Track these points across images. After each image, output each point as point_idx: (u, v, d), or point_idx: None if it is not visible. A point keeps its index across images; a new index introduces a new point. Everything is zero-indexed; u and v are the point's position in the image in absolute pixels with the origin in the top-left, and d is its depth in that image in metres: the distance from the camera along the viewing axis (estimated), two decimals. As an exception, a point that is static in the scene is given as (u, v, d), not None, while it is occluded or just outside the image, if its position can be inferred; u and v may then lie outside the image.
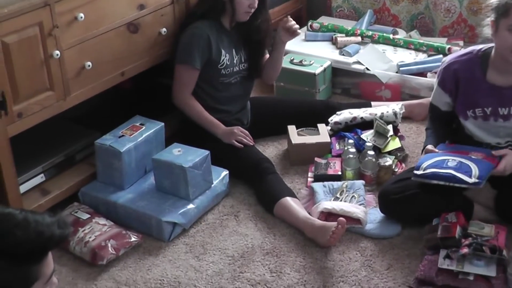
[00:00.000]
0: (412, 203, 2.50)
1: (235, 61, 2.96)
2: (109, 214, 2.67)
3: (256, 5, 2.86)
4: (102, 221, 2.57)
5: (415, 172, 2.45)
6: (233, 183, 2.89)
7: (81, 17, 2.52)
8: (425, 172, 2.40)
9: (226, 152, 2.88)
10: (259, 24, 2.94)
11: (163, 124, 2.86)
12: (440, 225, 2.40)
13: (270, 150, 3.16)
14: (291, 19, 2.99)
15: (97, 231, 2.50)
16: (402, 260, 2.42)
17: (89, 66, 2.62)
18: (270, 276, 2.37)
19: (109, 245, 2.45)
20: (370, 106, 3.32)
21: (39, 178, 2.69)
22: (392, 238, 2.54)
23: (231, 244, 2.55)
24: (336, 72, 3.69)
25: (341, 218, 2.44)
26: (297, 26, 2.96)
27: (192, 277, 2.39)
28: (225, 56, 2.92)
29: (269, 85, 3.53)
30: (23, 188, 2.59)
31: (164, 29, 2.95)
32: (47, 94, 2.51)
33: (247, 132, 2.93)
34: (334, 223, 2.44)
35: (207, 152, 2.70)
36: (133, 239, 2.52)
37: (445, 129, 2.67)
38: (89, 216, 2.59)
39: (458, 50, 3.40)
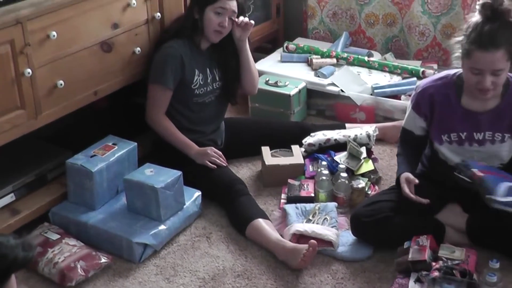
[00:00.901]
0: (384, 227, 2.51)
1: (208, 80, 2.97)
2: (79, 234, 2.64)
3: (226, 25, 2.86)
4: (72, 241, 2.54)
5: (493, 197, 2.34)
6: (206, 204, 2.88)
7: (54, 36, 2.51)
8: (508, 200, 2.35)
9: (199, 173, 2.87)
10: (234, 50, 2.94)
11: (135, 144, 2.85)
12: (411, 248, 2.40)
13: (244, 171, 3.16)
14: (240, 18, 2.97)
15: (66, 252, 2.48)
16: (373, 283, 2.42)
17: (61, 85, 2.61)
18: (240, 299, 2.35)
19: (79, 266, 2.43)
20: (344, 128, 3.34)
21: (9, 198, 2.66)
22: (364, 261, 2.55)
23: (202, 266, 2.53)
24: (311, 94, 3.71)
25: (312, 241, 2.43)
26: (246, 19, 2.93)
27: (162, 299, 2.36)
28: (199, 76, 2.93)
29: (246, 103, 3.55)
30: (-11, 208, 2.54)
31: (138, 48, 2.95)
32: (17, 113, 2.49)
33: (220, 153, 2.92)
34: (305, 246, 2.44)
35: (179, 172, 2.68)
36: (103, 260, 2.49)
37: (417, 154, 2.68)
38: (59, 236, 2.56)
39: (432, 74, 3.44)
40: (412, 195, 2.49)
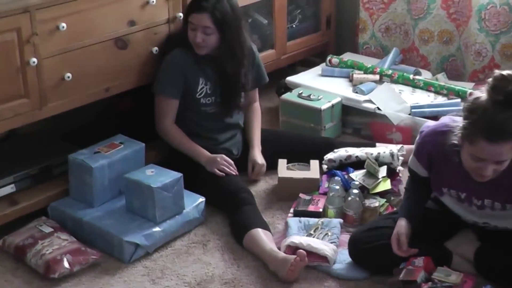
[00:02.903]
0: (384, 253, 2.66)
1: (217, 91, 3.24)
2: (75, 231, 2.93)
3: (198, 40, 3.11)
4: (64, 236, 2.83)
5: None
6: (211, 212, 3.12)
7: (63, 27, 2.84)
8: None
9: (206, 179, 3.13)
10: (224, 63, 3.19)
11: (143, 145, 3.13)
12: (404, 269, 2.56)
13: (261, 184, 3.39)
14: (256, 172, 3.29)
15: (56, 245, 2.77)
16: (363, 302, 2.58)
17: (69, 77, 2.93)
18: (221, 305, 2.57)
19: (65, 259, 2.71)
20: (373, 147, 3.50)
21: (9, 188, 2.98)
22: (359, 281, 2.70)
23: (191, 271, 2.77)
24: (347, 111, 3.89)
25: (300, 251, 2.63)
26: (254, 175, 3.30)
27: (143, 299, 2.62)
28: (205, 85, 3.19)
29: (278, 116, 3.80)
30: (-12, 197, 2.87)
31: (156, 48, 3.24)
32: (21, 101, 2.82)
33: (230, 161, 3.17)
34: (295, 256, 2.63)
35: (179, 175, 2.95)
36: (90, 256, 2.77)
37: (425, 190, 2.74)
38: (52, 230, 2.86)
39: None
40: (398, 252, 2.58)
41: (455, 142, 2.39)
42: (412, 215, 2.67)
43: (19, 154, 3.14)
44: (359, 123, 3.88)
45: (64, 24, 2.83)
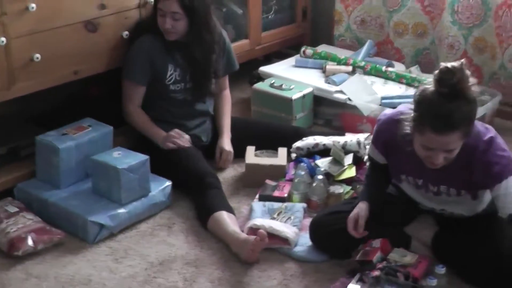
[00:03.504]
0: (343, 237, 2.81)
1: (187, 78, 3.37)
2: (40, 212, 3.06)
3: (167, 26, 3.25)
4: (30, 216, 2.97)
5: None
6: (178, 196, 3.27)
7: (32, 8, 2.97)
8: None
9: (173, 163, 3.27)
10: (193, 49, 3.33)
11: (111, 128, 3.28)
12: (361, 250, 2.72)
13: (229, 170, 3.54)
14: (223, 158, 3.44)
15: (20, 223, 2.91)
16: (322, 283, 2.74)
17: (37, 58, 3.06)
18: (182, 284, 2.73)
19: (29, 237, 2.85)
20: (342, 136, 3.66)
21: (-25, 168, 3.11)
22: (319, 263, 2.86)
23: (155, 252, 2.92)
24: (319, 102, 4.05)
25: (260, 230, 2.78)
26: (222, 162, 3.46)
27: (105, 276, 2.76)
28: (174, 71, 3.34)
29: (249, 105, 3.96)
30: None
31: (126, 32, 3.39)
32: (-12, 80, 2.94)
33: (183, 133, 3.31)
34: (255, 237, 2.78)
35: (146, 157, 3.09)
36: (55, 235, 2.91)
37: (385, 177, 2.88)
38: (17, 210, 2.99)
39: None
40: (353, 232, 2.73)
41: (408, 131, 2.53)
42: (373, 199, 2.83)
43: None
44: (330, 114, 4.04)
45: (33, 5, 2.97)
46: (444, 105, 2.34)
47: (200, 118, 3.47)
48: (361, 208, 2.78)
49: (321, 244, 2.87)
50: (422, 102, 2.40)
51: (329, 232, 2.82)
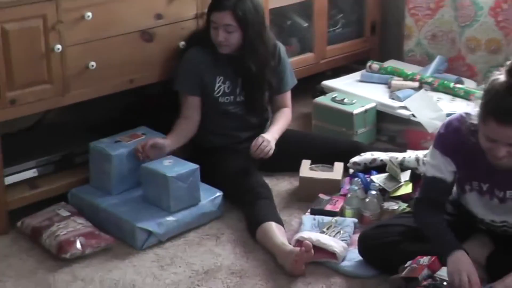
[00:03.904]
0: (390, 251, 2.91)
1: (237, 91, 3.55)
2: (91, 217, 3.28)
3: (220, 39, 3.40)
4: (80, 220, 3.19)
5: None
6: (229, 208, 3.44)
7: (89, 17, 3.21)
8: None
9: (225, 174, 3.45)
10: (247, 62, 3.48)
11: (165, 136, 3.47)
12: (408, 267, 2.81)
13: (284, 184, 3.69)
14: (260, 145, 3.47)
15: (71, 227, 3.12)
16: (367, 298, 2.85)
17: (92, 66, 3.29)
18: (224, 293, 2.88)
19: (78, 241, 3.06)
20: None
21: (31, 173, 3.37)
22: (366, 279, 2.97)
23: (200, 261, 3.08)
24: (383, 117, 4.15)
25: (306, 242, 2.91)
26: (267, 149, 3.47)
27: (149, 282, 2.94)
28: (223, 84, 3.52)
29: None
30: (11, 179, 3.26)
31: (183, 43, 3.59)
32: (44, 87, 3.19)
33: (144, 144, 3.31)
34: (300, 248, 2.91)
35: (196, 166, 3.27)
36: (103, 240, 3.11)
37: (442, 217, 2.83)
38: (69, 214, 3.22)
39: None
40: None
41: (474, 122, 2.63)
42: (459, 244, 2.72)
43: (44, 142, 3.52)
44: (394, 131, 4.13)
45: (89, 14, 3.20)
46: (510, 97, 2.42)
47: (253, 131, 3.63)
48: (463, 263, 2.66)
49: (369, 258, 2.98)
50: (489, 91, 2.48)
51: (376, 245, 2.93)
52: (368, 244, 2.97)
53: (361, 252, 3.00)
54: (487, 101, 2.49)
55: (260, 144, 3.47)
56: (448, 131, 2.80)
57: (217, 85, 3.51)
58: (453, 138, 2.78)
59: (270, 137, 3.53)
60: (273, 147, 3.52)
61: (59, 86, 3.23)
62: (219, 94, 3.52)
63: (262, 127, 3.69)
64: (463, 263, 2.63)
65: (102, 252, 3.12)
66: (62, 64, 3.21)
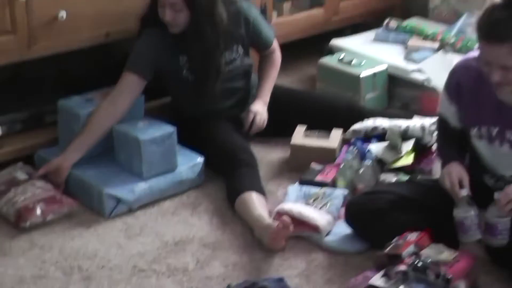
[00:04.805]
0: (379, 220, 3.05)
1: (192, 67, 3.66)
2: (58, 182, 3.46)
3: (167, 18, 3.48)
4: (40, 183, 3.35)
5: None
6: (210, 176, 3.60)
7: (58, -40, 3.36)
8: None
9: (205, 137, 3.62)
10: (192, 44, 3.53)
11: (142, 96, 3.63)
12: (393, 243, 2.95)
13: (276, 152, 3.85)
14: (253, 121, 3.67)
15: (29, 192, 3.29)
16: (347, 277, 2.96)
17: (62, 17, 3.45)
18: (192, 266, 3.05)
19: (38, 207, 3.23)
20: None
21: (-5, 131, 3.54)
22: (352, 256, 3.11)
23: (172, 231, 3.26)
24: (396, 82, 4.27)
25: (284, 217, 3.06)
26: (261, 122, 3.69)
27: (112, 252, 3.12)
28: (185, 62, 3.63)
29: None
30: (-31, 136, 3.43)
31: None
32: (7, 38, 3.36)
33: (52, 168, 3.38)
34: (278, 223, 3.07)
35: (172, 128, 3.43)
36: (66, 204, 3.29)
37: (460, 148, 3.13)
38: (27, 177, 3.39)
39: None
40: (457, 190, 2.88)
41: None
42: (462, 159, 3.01)
43: (11, 98, 3.69)
44: (408, 96, 4.25)
45: (59, -43, 3.34)
46: (497, 12, 2.64)
47: (235, 97, 3.80)
48: (458, 168, 2.94)
49: (355, 227, 3.13)
50: (483, 12, 2.69)
51: (363, 212, 3.08)
52: (354, 211, 3.12)
53: (348, 219, 3.15)
54: (479, 20, 2.70)
55: (253, 120, 3.66)
56: (455, 71, 3.02)
57: (181, 63, 3.64)
58: (459, 78, 2.98)
59: (260, 107, 3.73)
60: (266, 115, 3.71)
61: (24, 37, 3.39)
62: (187, 73, 3.65)
63: (245, 89, 3.86)
64: (455, 168, 2.93)
65: (65, 219, 3.30)
66: (28, 13, 3.36)
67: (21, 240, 3.19)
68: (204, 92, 3.65)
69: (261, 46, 3.87)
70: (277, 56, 3.92)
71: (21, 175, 3.41)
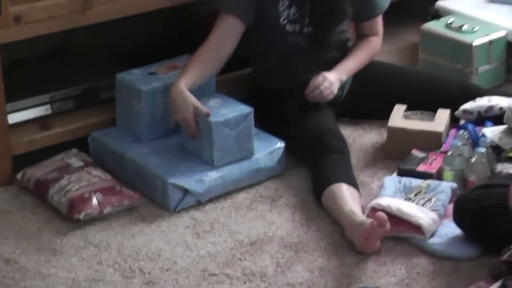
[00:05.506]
0: (493, 217, 2.96)
1: (305, 20, 3.60)
2: (116, 169, 3.44)
3: None
4: (97, 172, 3.34)
5: None
6: (293, 163, 3.55)
7: None
8: None
9: (285, 120, 3.57)
10: None
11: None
12: (513, 247, 2.86)
13: (370, 135, 3.78)
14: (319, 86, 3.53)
15: (84, 181, 3.28)
16: (456, 287, 2.91)
17: (121, -23, 3.41)
18: (272, 270, 2.99)
19: (94, 198, 3.21)
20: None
21: (43, 109, 3.53)
22: (461, 262, 3.02)
23: (248, 229, 3.20)
24: (517, 51, 4.10)
25: (380, 213, 2.98)
26: (326, 92, 3.54)
27: (178, 253, 3.08)
28: (288, 8, 3.56)
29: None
30: (16, 117, 3.45)
31: None
32: (57, 1, 3.33)
33: (194, 123, 3.35)
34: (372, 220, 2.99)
35: (249, 109, 3.37)
36: (126, 198, 3.26)
37: None
38: (82, 164, 3.37)
39: None
40: None
41: None
42: None
43: (62, 72, 3.69)
44: (531, 69, 4.10)
45: None
46: None
47: (326, 68, 3.67)
48: None
49: (465, 228, 3.04)
50: None
51: (475, 210, 2.97)
52: (465, 208, 3.02)
53: (456, 218, 3.05)
54: None
55: (320, 85, 3.54)
56: None
57: (281, 9, 3.57)
58: None
59: (333, 78, 3.59)
60: (335, 91, 3.59)
61: (77, 1, 3.35)
62: (285, 21, 3.58)
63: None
64: None
65: (124, 213, 3.28)
66: (83, -27, 3.31)
67: (74, 237, 3.17)
68: (318, 44, 3.59)
69: (367, 12, 3.77)
70: (377, 42, 3.82)
71: (75, 162, 3.40)
